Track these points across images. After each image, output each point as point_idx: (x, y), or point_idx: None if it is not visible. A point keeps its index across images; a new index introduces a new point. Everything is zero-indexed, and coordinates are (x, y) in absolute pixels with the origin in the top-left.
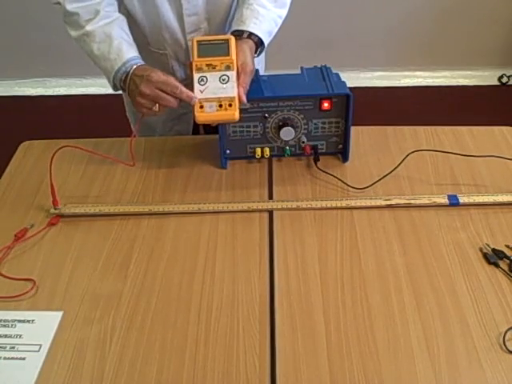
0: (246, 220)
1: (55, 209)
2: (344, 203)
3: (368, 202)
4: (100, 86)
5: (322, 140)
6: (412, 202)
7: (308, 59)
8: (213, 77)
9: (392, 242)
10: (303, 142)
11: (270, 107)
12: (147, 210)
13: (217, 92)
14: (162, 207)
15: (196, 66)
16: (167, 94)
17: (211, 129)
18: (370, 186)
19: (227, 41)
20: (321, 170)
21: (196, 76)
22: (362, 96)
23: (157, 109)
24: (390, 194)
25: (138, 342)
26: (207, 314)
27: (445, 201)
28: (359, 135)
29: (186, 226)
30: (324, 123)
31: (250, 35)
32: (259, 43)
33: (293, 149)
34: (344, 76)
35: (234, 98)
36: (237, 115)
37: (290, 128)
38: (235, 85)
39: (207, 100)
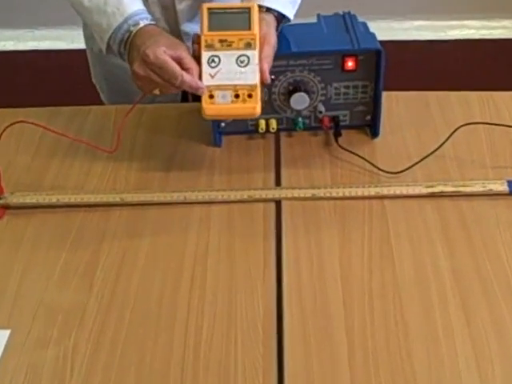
0: (247, 213)
1: None
2: (373, 191)
3: (404, 190)
4: (56, 39)
5: (344, 109)
6: (461, 189)
7: (327, 4)
8: (228, 57)
9: (435, 240)
10: (320, 112)
11: (277, 67)
12: (118, 200)
13: (233, 78)
14: (137, 196)
15: (206, 41)
16: (165, 80)
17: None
18: (407, 169)
19: (248, 10)
20: (343, 148)
21: (205, 55)
22: (397, 52)
23: (157, 92)
24: (432, 180)
25: (108, 367)
26: (196, 334)
27: (504, 188)
28: (393, 103)
29: (169, 220)
30: (347, 88)
31: (269, 10)
32: (280, 18)
33: (307, 121)
34: (373, 26)
35: (255, 86)
36: (258, 109)
37: (303, 94)
38: (257, 69)
39: (219, 88)
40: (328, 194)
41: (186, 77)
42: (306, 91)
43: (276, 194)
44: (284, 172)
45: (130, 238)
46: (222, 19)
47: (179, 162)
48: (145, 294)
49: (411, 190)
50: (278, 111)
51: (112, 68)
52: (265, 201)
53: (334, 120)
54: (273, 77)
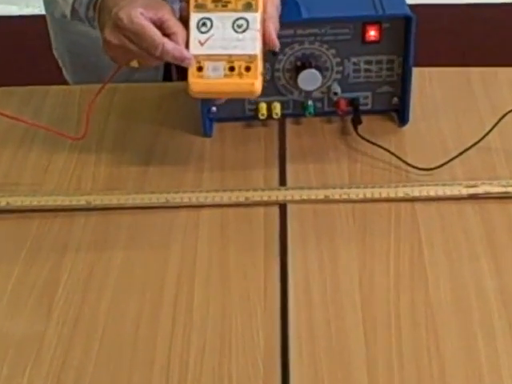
0: (244, 219)
1: None
2: (401, 192)
3: (440, 191)
4: (7, 3)
5: (365, 90)
6: (511, 190)
7: None
8: (222, 20)
9: (479, 254)
10: (335, 94)
11: (281, 37)
12: (84, 203)
13: (227, 46)
14: (108, 198)
15: (195, 0)
16: (143, 49)
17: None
18: (444, 164)
19: None
20: (363, 138)
21: (194, 17)
22: (430, 19)
23: (135, 64)
24: (474, 178)
25: None
26: (181, 372)
27: None
28: (426, 82)
29: (147, 228)
30: (369, 63)
31: None
32: None
33: (319, 104)
34: None
35: (255, 57)
36: (258, 86)
37: (313, 71)
38: (258, 36)
39: (210, 58)
40: (345, 196)
41: (169, 45)
42: (318, 67)
43: (280, 195)
44: (290, 168)
45: (98, 250)
46: None
47: (160, 155)
48: (117, 320)
49: (448, 191)
50: (283, 92)
51: (77, 38)
52: (266, 204)
53: (353, 103)
54: (276, 50)
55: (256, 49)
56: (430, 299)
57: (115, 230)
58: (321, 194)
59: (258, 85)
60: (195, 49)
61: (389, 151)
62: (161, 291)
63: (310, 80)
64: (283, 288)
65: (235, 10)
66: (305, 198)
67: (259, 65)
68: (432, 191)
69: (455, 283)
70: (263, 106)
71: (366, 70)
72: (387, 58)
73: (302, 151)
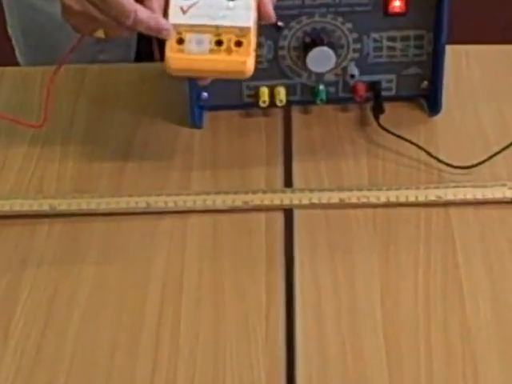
0: (241, 227)
1: None
2: (433, 195)
3: (479, 194)
4: None
5: (388, 72)
6: None
7: None
8: None
9: None
10: (352, 77)
11: (286, 9)
12: (47, 208)
13: (215, 15)
14: (76, 202)
15: None
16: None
17: None
18: (484, 161)
19: None
20: (386, 130)
21: None
22: None
23: (101, 35)
24: None
25: None
26: None
27: None
28: (462, 63)
29: (125, 237)
30: (393, 40)
31: None
32: None
33: (332, 89)
34: None
35: (247, 30)
36: (250, 65)
37: (325, 49)
38: (252, 5)
39: (194, 29)
40: (364, 200)
41: (142, 13)
42: (331, 45)
43: (285, 198)
44: (297, 166)
45: (65, 264)
46: None
47: (139, 150)
48: (87, 349)
49: (489, 194)
50: (289, 75)
51: (32, 14)
52: (268, 209)
53: (373, 88)
54: (280, 23)
55: (249, 20)
56: (467, 321)
57: (85, 241)
58: (335, 198)
59: (250, 63)
60: (175, 17)
61: (417, 145)
62: (140, 314)
63: (321, 60)
64: (289, 311)
65: None
66: (315, 201)
67: (252, 39)
68: (469, 194)
69: (497, 302)
70: (265, 92)
71: (390, 48)
72: (415, 34)
73: (312, 146)
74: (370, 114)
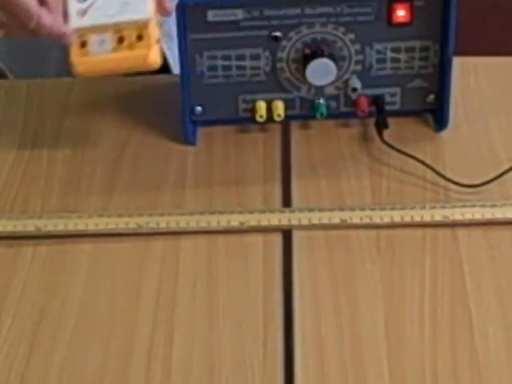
0: (237, 250)
1: None
2: (439, 215)
3: (489, 213)
4: None
5: (392, 86)
6: None
7: None
8: None
9: None
10: (354, 90)
11: (285, 18)
12: (32, 229)
13: (113, 13)
14: (62, 222)
15: None
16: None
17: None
18: (494, 179)
19: None
20: (390, 146)
21: None
22: None
23: (1, 34)
24: None
25: None
26: None
27: None
28: (470, 76)
29: (114, 260)
30: (397, 51)
31: None
32: None
33: (333, 103)
34: None
35: (146, 22)
36: (153, 57)
37: (326, 61)
38: None
39: (94, 30)
40: (367, 220)
41: (46, 18)
42: (332, 57)
43: (284, 219)
44: (296, 185)
45: (50, 289)
46: None
47: (129, 168)
48: (75, 378)
49: (499, 213)
50: (287, 88)
51: None
52: (266, 230)
53: (377, 102)
54: (278, 33)
55: (147, 11)
56: (477, 353)
57: (72, 264)
58: (336, 218)
59: (153, 55)
60: (75, 21)
61: (423, 163)
62: (130, 342)
63: (321, 72)
64: (288, 338)
65: None
66: (315, 222)
67: (153, 31)
68: (478, 213)
69: (508, 330)
70: (262, 106)
71: (394, 60)
72: (420, 45)
73: (312, 163)
74: (372, 130)
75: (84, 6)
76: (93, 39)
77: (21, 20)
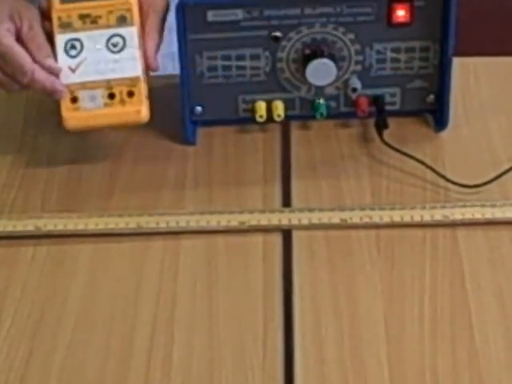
0: (237, 249)
1: None
2: (439, 215)
3: (489, 213)
4: None
5: (392, 86)
6: None
7: None
8: (94, 40)
9: None
10: (354, 90)
11: (285, 18)
12: (32, 229)
13: (104, 70)
14: (62, 222)
15: (59, 19)
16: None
17: None
18: (493, 180)
19: None
20: (390, 146)
21: (61, 39)
22: None
23: None
24: None
25: None
26: None
27: None
28: (470, 76)
29: (114, 260)
30: (397, 51)
31: None
32: None
33: (333, 103)
34: None
35: (137, 79)
36: (145, 113)
37: (326, 61)
38: (139, 54)
39: (86, 86)
40: (367, 220)
41: (39, 74)
42: (332, 57)
43: (284, 219)
44: (296, 185)
45: (50, 288)
46: None
47: (129, 168)
48: (74, 378)
49: (499, 213)
50: (287, 88)
51: None
52: (266, 230)
53: (377, 102)
54: (278, 34)
55: (137, 70)
56: (476, 353)
57: (72, 264)
58: (335, 218)
59: (144, 111)
60: (66, 77)
61: (423, 163)
62: (130, 342)
63: (321, 73)
64: (287, 338)
65: (108, 26)
66: (315, 222)
67: (143, 88)
68: (478, 214)
69: (508, 330)
70: (262, 106)
71: (394, 60)
72: (420, 45)
73: (312, 163)
74: (372, 130)
75: (75, 62)
76: (84, 95)
77: (15, 75)
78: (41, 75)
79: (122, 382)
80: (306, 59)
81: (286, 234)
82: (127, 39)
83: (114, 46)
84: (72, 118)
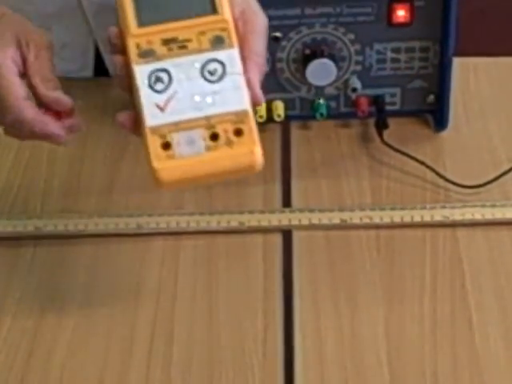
0: (237, 250)
1: None
2: (439, 215)
3: (489, 214)
4: None
5: (392, 86)
6: None
7: None
8: (184, 69)
9: None
10: (354, 90)
11: (285, 18)
12: (32, 229)
13: (201, 104)
14: (62, 222)
15: (138, 46)
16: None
17: None
18: (493, 180)
19: None
20: (390, 146)
21: (142, 71)
22: None
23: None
24: None
25: None
26: None
27: None
28: (470, 76)
29: (114, 261)
30: (397, 51)
31: None
32: None
33: (333, 104)
34: None
35: (245, 113)
36: (259, 155)
37: (326, 61)
38: (243, 81)
39: (180, 127)
40: (367, 220)
41: (26, 113)
42: (332, 57)
43: (284, 219)
44: (296, 185)
45: (50, 289)
46: (161, 1)
47: (129, 168)
48: (75, 375)
49: (500, 214)
50: (287, 88)
51: None
52: (266, 231)
53: (377, 102)
54: (278, 34)
55: (244, 101)
56: (476, 352)
57: (72, 265)
58: (336, 218)
59: (258, 152)
60: (153, 118)
61: (423, 163)
62: (130, 343)
63: (321, 73)
64: (287, 339)
65: (200, 51)
66: (315, 222)
67: (253, 123)
68: (478, 214)
69: (508, 331)
70: (262, 106)
71: (394, 60)
72: (420, 45)
73: (312, 163)
74: (372, 130)
75: (163, 98)
76: (179, 138)
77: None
78: (27, 114)
79: (122, 382)
80: (306, 59)
81: (286, 235)
82: (227, 64)
83: (212, 73)
84: (166, 169)
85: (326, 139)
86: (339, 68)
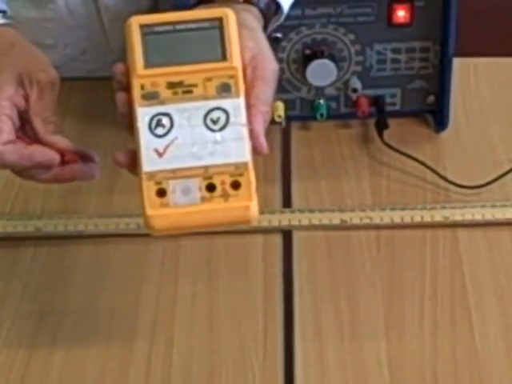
0: (237, 251)
1: None
2: (439, 215)
3: (489, 214)
4: None
5: (393, 86)
6: None
7: None
8: (187, 115)
9: None
10: (355, 91)
11: (285, 19)
12: (32, 230)
13: (201, 153)
14: (63, 223)
15: (142, 87)
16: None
17: None
18: (494, 181)
19: (219, 21)
20: (391, 147)
21: (144, 114)
22: None
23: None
24: None
25: None
26: None
27: None
28: (470, 76)
29: (114, 261)
30: (398, 52)
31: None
32: (267, 11)
33: (333, 104)
34: None
35: (245, 166)
36: (254, 211)
37: (326, 62)
38: (246, 132)
39: (177, 175)
40: (367, 221)
41: (9, 155)
42: (332, 57)
43: (284, 219)
44: (296, 185)
45: (50, 289)
46: (170, 43)
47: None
48: (74, 376)
49: (500, 214)
50: (288, 89)
51: None
52: (266, 231)
53: (377, 103)
54: (279, 35)
55: (245, 153)
56: (477, 353)
57: (72, 265)
58: (336, 218)
59: (254, 208)
60: (151, 163)
61: (423, 163)
62: (131, 343)
63: (321, 73)
64: (288, 340)
65: (205, 97)
66: (315, 223)
67: (252, 177)
68: (478, 214)
69: (508, 331)
70: None
71: (394, 61)
72: (420, 45)
73: (312, 164)
74: (373, 131)
75: (163, 143)
76: (174, 186)
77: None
78: (12, 157)
79: (122, 382)
80: (307, 60)
81: (286, 235)
82: (231, 114)
83: (214, 122)
84: (159, 216)
85: (326, 140)
86: (339, 68)
